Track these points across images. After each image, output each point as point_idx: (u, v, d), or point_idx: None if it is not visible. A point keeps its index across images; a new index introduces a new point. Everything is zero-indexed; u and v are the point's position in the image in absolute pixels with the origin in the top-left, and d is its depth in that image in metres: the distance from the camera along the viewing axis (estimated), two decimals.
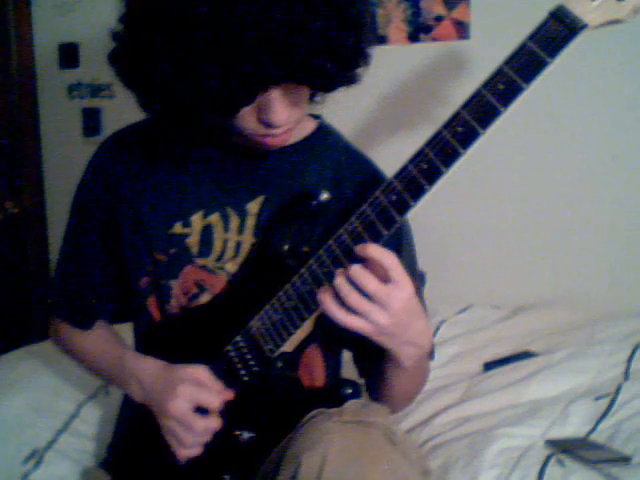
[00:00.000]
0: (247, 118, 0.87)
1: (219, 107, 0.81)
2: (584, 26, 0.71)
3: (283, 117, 0.86)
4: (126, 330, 1.15)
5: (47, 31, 2.55)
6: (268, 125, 0.87)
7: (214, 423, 0.96)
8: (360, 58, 0.87)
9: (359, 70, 0.89)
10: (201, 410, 0.96)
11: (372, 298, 0.83)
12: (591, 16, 0.71)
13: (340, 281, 0.84)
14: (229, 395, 0.97)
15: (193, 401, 0.95)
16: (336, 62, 0.82)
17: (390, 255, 0.83)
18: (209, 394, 0.95)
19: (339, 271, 0.85)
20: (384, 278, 0.83)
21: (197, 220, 1.01)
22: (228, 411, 0.97)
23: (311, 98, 0.94)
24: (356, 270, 0.83)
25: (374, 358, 0.99)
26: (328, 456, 0.80)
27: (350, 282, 0.83)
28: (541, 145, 1.91)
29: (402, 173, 0.81)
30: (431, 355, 1.03)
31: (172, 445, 0.97)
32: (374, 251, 0.82)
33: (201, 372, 0.97)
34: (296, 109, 0.89)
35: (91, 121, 2.54)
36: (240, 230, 1.01)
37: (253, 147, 0.95)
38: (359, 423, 0.85)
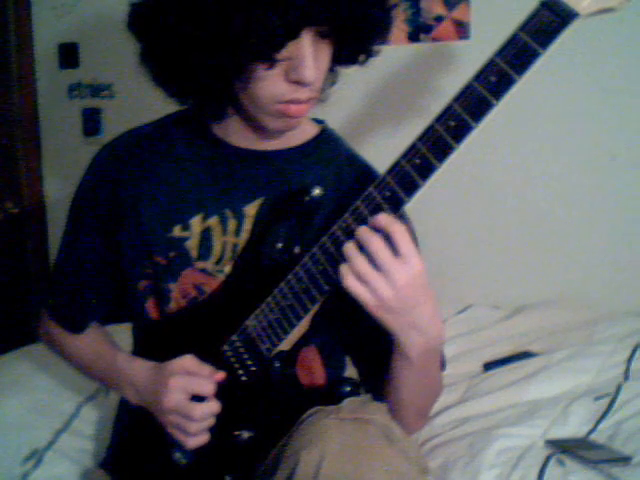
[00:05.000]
0: (276, 79, 0.87)
1: (268, 40, 0.82)
2: (575, 15, 0.69)
3: (313, 72, 0.86)
4: (125, 330, 1.15)
5: (47, 31, 2.55)
6: (297, 84, 0.87)
7: (212, 406, 0.95)
8: (385, 22, 0.96)
9: (379, 38, 0.96)
10: (197, 398, 0.95)
11: (378, 267, 0.80)
12: (582, 5, 0.69)
13: (349, 246, 0.81)
14: (220, 376, 0.96)
15: (186, 391, 0.94)
16: (368, 16, 0.90)
17: (401, 227, 0.80)
18: (200, 381, 0.95)
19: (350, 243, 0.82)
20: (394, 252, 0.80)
21: (196, 223, 1.01)
22: (227, 411, 0.97)
23: (331, 69, 0.96)
24: (365, 232, 0.80)
25: (376, 362, 0.98)
26: (326, 453, 0.80)
27: (360, 249, 0.81)
28: (541, 146, 1.91)
29: (395, 168, 0.80)
30: (442, 365, 1.00)
31: (178, 438, 0.96)
32: (384, 220, 0.80)
33: (188, 361, 0.96)
34: (320, 74, 0.90)
35: (91, 121, 2.54)
36: (237, 232, 1.00)
37: (272, 126, 0.94)
38: (357, 420, 0.85)
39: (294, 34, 0.83)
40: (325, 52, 0.90)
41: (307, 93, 0.89)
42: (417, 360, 0.88)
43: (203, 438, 0.96)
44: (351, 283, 0.81)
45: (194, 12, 0.83)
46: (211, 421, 0.95)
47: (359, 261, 0.80)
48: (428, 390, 0.98)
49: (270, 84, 0.88)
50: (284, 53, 0.85)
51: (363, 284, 0.81)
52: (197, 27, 0.83)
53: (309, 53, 0.86)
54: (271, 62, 0.85)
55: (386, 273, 0.80)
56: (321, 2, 0.81)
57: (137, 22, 0.90)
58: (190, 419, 0.94)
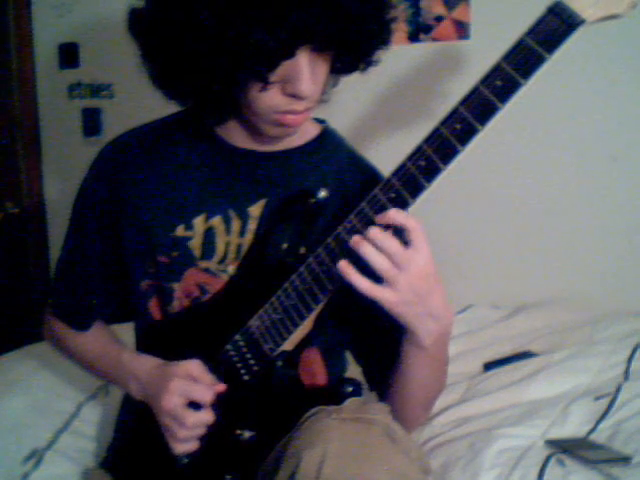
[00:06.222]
0: (272, 92, 0.87)
1: (263, 59, 0.81)
2: (582, 21, 0.70)
3: (309, 87, 0.86)
4: (126, 330, 1.15)
5: (47, 31, 2.55)
6: (293, 97, 0.87)
7: (206, 417, 0.95)
8: (384, 35, 0.94)
9: (379, 51, 0.95)
10: (194, 404, 0.96)
11: (396, 265, 0.81)
12: (589, 11, 0.71)
13: (365, 247, 0.82)
14: (221, 388, 0.97)
15: (185, 396, 0.95)
16: (366, 31, 0.88)
17: (412, 217, 0.81)
18: (200, 388, 0.95)
19: (358, 237, 0.83)
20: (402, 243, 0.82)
21: (199, 223, 1.01)
22: (229, 410, 0.97)
23: (332, 71, 0.95)
24: (376, 232, 0.81)
25: (383, 358, 0.98)
26: (327, 453, 0.80)
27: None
28: (541, 146, 1.91)
29: (400, 170, 0.80)
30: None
31: (168, 440, 0.97)
32: (395, 214, 0.81)
33: (193, 366, 0.97)
34: (317, 86, 0.90)
35: (91, 121, 2.54)
36: (241, 233, 1.01)
37: (270, 133, 0.95)
38: (358, 420, 0.85)
39: (288, 53, 0.83)
40: (323, 65, 0.89)
41: (304, 104, 0.89)
42: (431, 347, 0.89)
43: (191, 446, 0.96)
44: (369, 287, 0.82)
45: (191, 25, 0.82)
46: (202, 431, 0.96)
47: (380, 259, 0.81)
48: (438, 375, 0.98)
49: (267, 97, 0.88)
50: (279, 72, 0.84)
51: (383, 285, 0.82)
52: (193, 41, 0.83)
53: (305, 68, 0.85)
54: (265, 83, 0.84)
55: (401, 265, 0.81)
56: (316, 21, 0.80)
57: (136, 27, 0.90)
58: (181, 425, 0.94)
